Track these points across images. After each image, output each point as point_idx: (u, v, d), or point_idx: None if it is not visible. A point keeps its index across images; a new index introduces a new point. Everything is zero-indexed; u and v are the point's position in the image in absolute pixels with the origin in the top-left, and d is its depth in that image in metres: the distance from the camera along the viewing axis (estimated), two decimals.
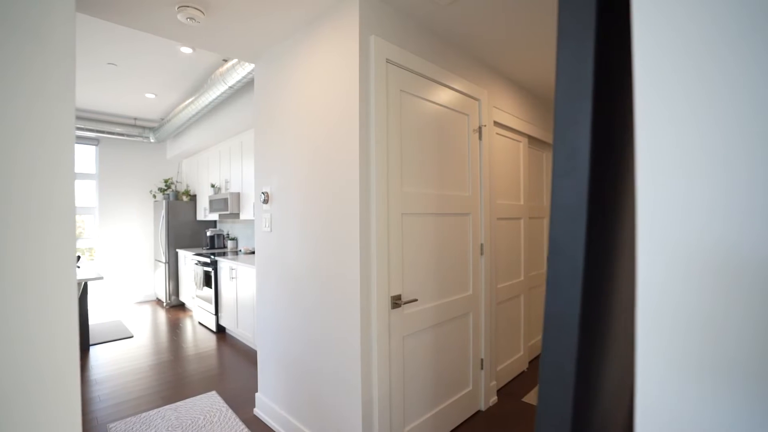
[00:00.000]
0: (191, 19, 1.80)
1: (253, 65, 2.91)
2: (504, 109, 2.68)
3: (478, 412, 2.35)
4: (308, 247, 1.91)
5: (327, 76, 1.79)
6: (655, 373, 0.31)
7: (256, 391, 2.42)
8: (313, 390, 1.88)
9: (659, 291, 0.30)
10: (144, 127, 5.24)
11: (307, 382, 1.93)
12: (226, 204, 4.32)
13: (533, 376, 2.88)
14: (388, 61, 1.75)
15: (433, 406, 2.03)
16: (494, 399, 2.48)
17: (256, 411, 2.32)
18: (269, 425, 2.19)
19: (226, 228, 5.41)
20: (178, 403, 2.45)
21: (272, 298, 2.20)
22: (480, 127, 2.38)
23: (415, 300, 1.86)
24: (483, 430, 2.16)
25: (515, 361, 2.86)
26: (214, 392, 2.61)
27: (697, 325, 0.29)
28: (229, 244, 4.99)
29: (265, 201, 2.24)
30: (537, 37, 2.12)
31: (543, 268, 3.42)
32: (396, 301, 1.79)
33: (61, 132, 0.55)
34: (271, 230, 2.21)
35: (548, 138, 3.30)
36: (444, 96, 2.11)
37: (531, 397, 2.54)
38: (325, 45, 1.80)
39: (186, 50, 3.20)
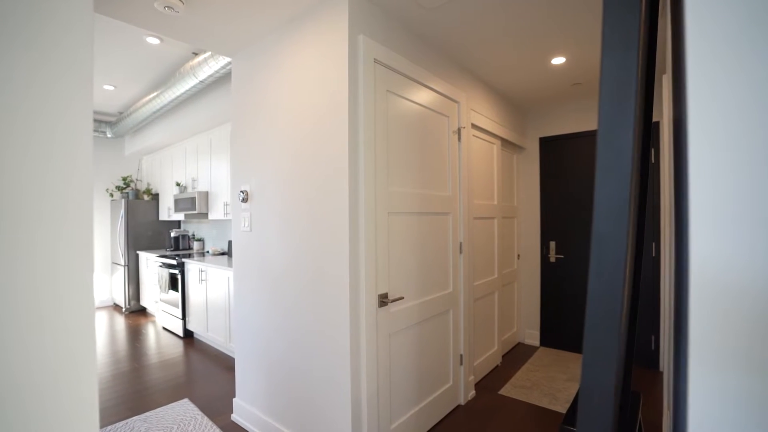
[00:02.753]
0: (169, 8, 1.72)
1: (227, 59, 2.82)
2: (480, 112, 2.77)
3: (458, 406, 2.41)
4: (292, 247, 1.88)
5: (314, 74, 1.77)
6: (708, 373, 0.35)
7: (234, 396, 2.34)
8: (298, 391, 1.85)
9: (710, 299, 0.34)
10: (100, 121, 4.91)
11: (290, 383, 1.90)
12: (194, 203, 4.14)
13: (507, 370, 3.00)
14: (375, 60, 1.77)
15: (418, 402, 2.06)
16: (472, 393, 2.55)
17: (234, 417, 2.25)
18: (249, 431, 2.12)
19: (191, 228, 5.17)
20: (148, 413, 2.32)
21: (252, 299, 2.14)
22: (459, 129, 2.45)
23: (402, 298, 1.89)
24: (463, 424, 2.22)
25: (490, 355, 2.97)
26: (186, 400, 2.49)
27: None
28: (195, 245, 4.78)
29: (244, 200, 2.18)
30: (513, 45, 2.21)
31: (514, 266, 3.57)
32: (383, 300, 1.80)
33: (78, 125, 0.53)
34: (251, 230, 2.15)
35: (519, 140, 3.45)
36: (427, 97, 2.15)
37: (507, 390, 2.64)
38: (311, 42, 1.78)
39: (153, 41, 3.04)
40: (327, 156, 1.71)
